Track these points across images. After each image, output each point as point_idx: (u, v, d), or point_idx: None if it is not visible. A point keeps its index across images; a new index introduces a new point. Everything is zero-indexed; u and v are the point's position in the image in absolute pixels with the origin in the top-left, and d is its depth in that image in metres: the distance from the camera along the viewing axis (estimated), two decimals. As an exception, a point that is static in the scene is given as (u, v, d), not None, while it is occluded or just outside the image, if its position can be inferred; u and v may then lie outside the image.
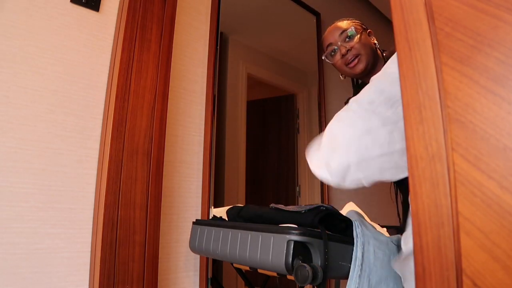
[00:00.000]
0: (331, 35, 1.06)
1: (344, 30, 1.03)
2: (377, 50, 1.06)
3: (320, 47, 2.19)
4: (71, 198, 1.03)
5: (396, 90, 0.62)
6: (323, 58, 1.11)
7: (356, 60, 1.01)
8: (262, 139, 2.12)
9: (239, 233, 0.88)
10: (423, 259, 0.40)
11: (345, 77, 1.14)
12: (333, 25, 1.09)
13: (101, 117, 1.13)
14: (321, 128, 2.07)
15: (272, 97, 2.19)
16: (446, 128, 0.40)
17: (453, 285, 0.37)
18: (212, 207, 1.38)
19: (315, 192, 2.00)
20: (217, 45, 1.55)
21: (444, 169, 0.40)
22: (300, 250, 0.76)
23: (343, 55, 1.02)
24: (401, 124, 0.60)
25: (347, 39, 1.03)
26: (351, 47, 1.01)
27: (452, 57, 0.41)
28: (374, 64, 1.03)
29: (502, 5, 0.38)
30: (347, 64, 1.03)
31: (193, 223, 1.09)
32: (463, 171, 0.38)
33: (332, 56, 1.07)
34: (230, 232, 0.91)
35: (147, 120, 1.13)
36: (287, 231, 0.77)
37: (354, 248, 0.79)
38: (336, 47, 1.05)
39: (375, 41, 1.08)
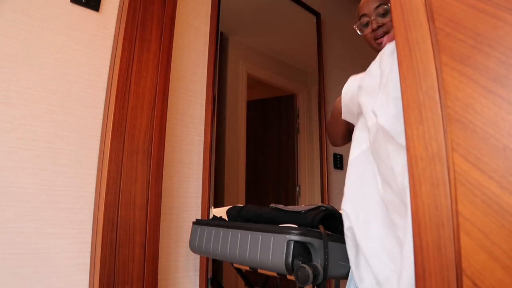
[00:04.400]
0: (367, 6, 1.03)
1: (381, 4, 1.00)
2: None
3: (320, 47, 2.20)
4: (71, 198, 1.03)
5: None
6: (354, 27, 1.07)
7: (385, 38, 1.00)
8: (262, 139, 2.12)
9: (239, 233, 0.88)
10: (423, 259, 0.40)
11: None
12: None
13: (101, 117, 1.13)
14: (321, 128, 2.07)
15: (272, 97, 2.19)
16: (446, 128, 0.40)
17: (453, 285, 0.37)
18: (212, 207, 1.38)
19: (315, 192, 2.00)
20: (217, 45, 1.55)
21: (444, 169, 0.40)
22: (300, 250, 0.76)
23: (373, 30, 1.00)
24: None
25: (381, 15, 1.00)
26: (383, 24, 0.99)
27: (452, 57, 0.41)
28: None
29: (502, 5, 0.38)
30: (375, 39, 1.02)
31: (193, 223, 1.09)
32: (463, 171, 0.38)
33: (363, 27, 1.05)
34: (230, 232, 0.91)
35: (147, 120, 1.13)
36: (287, 231, 0.77)
37: (354, 248, 0.79)
38: (369, 20, 1.02)
39: None
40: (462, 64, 0.40)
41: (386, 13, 0.98)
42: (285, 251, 0.75)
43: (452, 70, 0.41)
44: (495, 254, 0.34)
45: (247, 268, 1.00)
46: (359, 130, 0.82)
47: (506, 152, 0.35)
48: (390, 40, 0.98)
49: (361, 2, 1.07)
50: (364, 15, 1.03)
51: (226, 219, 1.08)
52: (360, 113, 0.84)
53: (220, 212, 1.11)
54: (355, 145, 0.82)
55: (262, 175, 2.03)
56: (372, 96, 0.75)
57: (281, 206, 0.95)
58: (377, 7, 1.00)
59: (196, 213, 1.36)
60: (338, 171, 2.12)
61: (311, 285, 0.72)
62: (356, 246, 0.73)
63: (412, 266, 0.55)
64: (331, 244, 0.78)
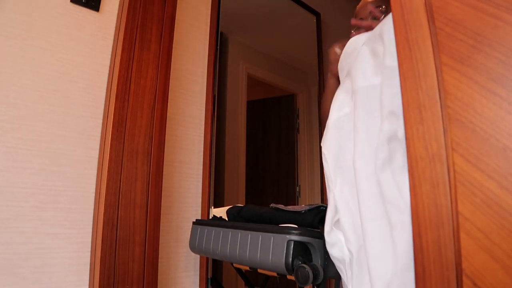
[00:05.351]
0: (362, 11, 1.06)
1: (376, 7, 1.02)
2: None
3: (320, 47, 2.20)
4: (71, 198, 1.03)
5: None
6: (352, 31, 1.08)
7: None
8: (262, 139, 2.12)
9: (239, 233, 0.88)
10: (423, 259, 0.40)
11: None
12: None
13: (101, 117, 1.13)
14: (321, 128, 2.07)
15: (272, 97, 2.19)
16: (446, 128, 0.40)
17: (453, 285, 0.37)
18: (212, 207, 1.38)
19: (315, 192, 2.00)
20: (217, 45, 1.55)
21: (444, 169, 0.40)
22: (300, 250, 0.76)
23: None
24: None
25: (376, 18, 1.02)
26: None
27: (452, 57, 0.41)
28: None
29: (502, 5, 0.38)
30: None
31: (193, 223, 1.09)
32: (463, 171, 0.38)
33: (360, 31, 1.06)
34: (230, 232, 0.91)
35: (147, 120, 1.13)
36: (287, 231, 0.77)
37: (354, 248, 0.79)
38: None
39: None
40: (462, 64, 0.40)
41: (381, 15, 1.00)
42: (285, 251, 0.75)
43: (452, 70, 0.41)
44: (495, 254, 0.34)
45: (247, 268, 1.00)
46: (342, 92, 0.79)
47: (506, 152, 0.35)
48: None
49: (357, 7, 1.09)
50: (361, 19, 1.06)
51: (226, 219, 1.08)
52: (348, 75, 0.82)
53: (220, 212, 1.11)
54: (336, 107, 0.79)
55: (262, 175, 2.03)
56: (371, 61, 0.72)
57: (281, 206, 0.95)
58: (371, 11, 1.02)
59: (196, 213, 1.36)
60: (338, 171, 2.12)
61: (311, 285, 0.72)
62: (335, 210, 0.73)
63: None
64: (331, 244, 0.77)
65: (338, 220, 0.71)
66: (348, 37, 1.21)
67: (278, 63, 2.06)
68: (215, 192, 1.44)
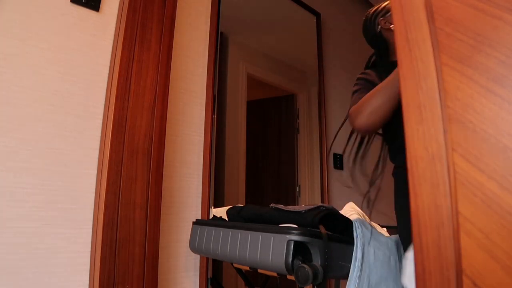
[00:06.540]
0: None
1: None
2: None
3: (320, 47, 2.20)
4: (71, 198, 1.03)
5: None
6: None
7: None
8: (262, 139, 2.12)
9: (239, 233, 0.88)
10: (423, 259, 0.40)
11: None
12: None
13: (101, 117, 1.13)
14: (321, 128, 2.07)
15: (272, 97, 2.19)
16: (446, 128, 0.40)
17: (453, 285, 0.37)
18: (212, 207, 1.38)
19: (315, 192, 2.00)
20: (217, 45, 1.55)
21: (444, 169, 0.40)
22: (300, 250, 0.76)
23: None
24: None
25: None
26: None
27: (452, 57, 0.41)
28: None
29: (502, 5, 0.38)
30: None
31: (193, 223, 1.09)
32: (463, 171, 0.38)
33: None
34: (230, 232, 0.91)
35: (147, 120, 1.13)
36: (287, 231, 0.77)
37: (354, 248, 0.79)
38: None
39: None
40: (462, 64, 0.40)
41: None
42: (285, 251, 0.75)
43: (452, 70, 0.41)
44: (495, 254, 0.34)
45: (247, 268, 1.00)
46: None
47: (506, 152, 0.35)
48: None
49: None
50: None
51: (226, 219, 1.08)
52: None
53: (220, 212, 1.11)
54: None
55: (262, 175, 2.03)
56: None
57: (281, 206, 0.95)
58: None
59: (196, 213, 1.36)
60: (338, 171, 2.12)
61: (311, 285, 0.72)
62: None
63: None
64: (331, 244, 0.78)
65: None
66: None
67: (278, 63, 2.06)
68: (215, 192, 1.44)
